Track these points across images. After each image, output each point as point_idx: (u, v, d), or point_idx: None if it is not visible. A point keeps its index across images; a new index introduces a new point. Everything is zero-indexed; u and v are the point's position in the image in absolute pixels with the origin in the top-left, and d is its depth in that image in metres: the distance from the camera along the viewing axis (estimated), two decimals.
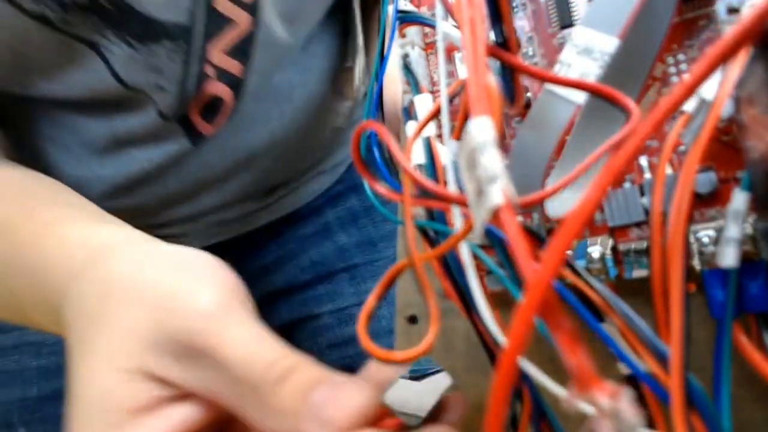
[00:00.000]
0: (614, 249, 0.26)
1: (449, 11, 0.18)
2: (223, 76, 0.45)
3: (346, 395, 0.22)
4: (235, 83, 0.46)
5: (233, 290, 0.26)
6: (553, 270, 0.11)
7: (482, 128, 0.12)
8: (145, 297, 0.26)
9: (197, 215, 0.55)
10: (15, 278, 0.34)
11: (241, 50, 0.45)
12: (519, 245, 0.11)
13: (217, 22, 0.43)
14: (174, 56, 0.43)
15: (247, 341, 0.24)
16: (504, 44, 0.19)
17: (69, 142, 0.47)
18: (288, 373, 0.23)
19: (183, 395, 0.25)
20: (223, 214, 0.56)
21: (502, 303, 0.24)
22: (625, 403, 0.11)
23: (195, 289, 0.25)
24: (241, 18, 0.43)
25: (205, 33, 0.43)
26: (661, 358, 0.19)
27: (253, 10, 0.44)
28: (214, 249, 0.56)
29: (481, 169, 0.12)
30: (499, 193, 0.12)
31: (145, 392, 0.24)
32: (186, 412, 0.25)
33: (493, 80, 0.13)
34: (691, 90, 0.14)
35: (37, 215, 0.35)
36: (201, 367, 0.24)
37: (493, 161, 0.12)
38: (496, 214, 0.12)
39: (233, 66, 0.45)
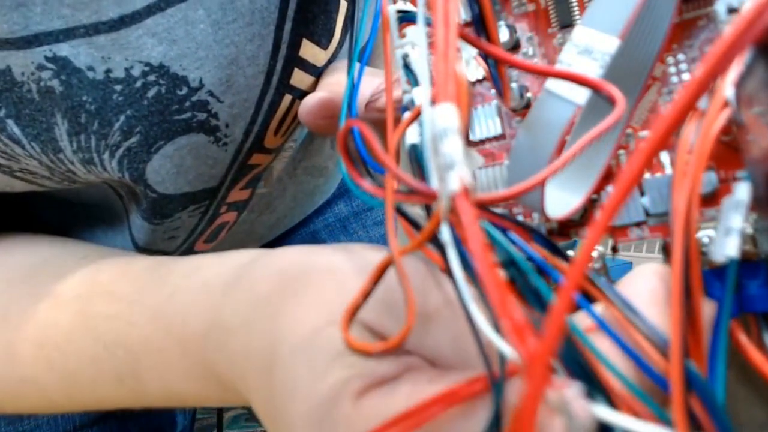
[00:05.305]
0: (614, 249, 0.26)
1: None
2: (233, 205, 0.43)
3: None
4: (243, 206, 0.44)
5: None
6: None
7: (445, 114, 0.12)
8: (343, 267, 0.23)
9: None
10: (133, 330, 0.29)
11: (255, 179, 0.42)
12: (473, 233, 0.11)
13: (244, 171, 0.40)
14: (195, 213, 0.40)
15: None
16: (486, 40, 0.19)
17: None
18: None
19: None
20: None
21: None
22: (575, 400, 0.11)
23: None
24: (264, 160, 0.41)
25: (229, 185, 0.40)
26: (661, 347, 0.19)
27: (278, 150, 0.41)
28: None
29: (441, 156, 0.12)
30: (456, 180, 0.12)
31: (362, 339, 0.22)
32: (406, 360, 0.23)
33: (462, 68, 0.13)
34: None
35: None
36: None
37: (452, 148, 0.12)
38: (453, 202, 0.12)
39: (244, 194, 0.43)
